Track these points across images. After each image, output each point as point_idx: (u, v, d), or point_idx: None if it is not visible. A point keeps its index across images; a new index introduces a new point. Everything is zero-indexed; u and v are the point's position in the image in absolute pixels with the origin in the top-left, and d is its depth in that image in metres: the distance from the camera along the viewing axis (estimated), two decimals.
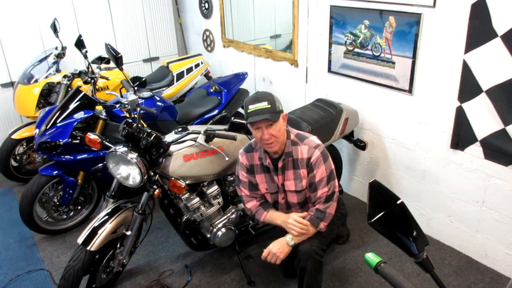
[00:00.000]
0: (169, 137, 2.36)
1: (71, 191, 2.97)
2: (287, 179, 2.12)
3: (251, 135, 2.26)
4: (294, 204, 2.19)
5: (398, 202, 1.02)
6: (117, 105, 2.79)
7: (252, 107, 1.94)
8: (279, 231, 2.24)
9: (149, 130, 2.19)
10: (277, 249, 2.06)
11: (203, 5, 4.55)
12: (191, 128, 2.47)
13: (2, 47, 3.89)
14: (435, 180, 2.78)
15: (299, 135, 2.12)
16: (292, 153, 2.08)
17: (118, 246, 2.36)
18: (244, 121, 2.15)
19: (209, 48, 4.75)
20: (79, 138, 2.80)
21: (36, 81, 3.56)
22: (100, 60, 3.40)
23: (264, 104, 1.93)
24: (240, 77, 3.78)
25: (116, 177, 2.25)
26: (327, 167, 2.07)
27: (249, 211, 2.28)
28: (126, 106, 2.52)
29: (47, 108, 3.05)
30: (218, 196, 2.51)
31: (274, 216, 2.19)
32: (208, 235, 2.51)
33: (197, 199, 2.43)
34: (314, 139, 2.12)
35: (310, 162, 2.05)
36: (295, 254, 2.09)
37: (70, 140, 2.76)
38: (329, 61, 3.21)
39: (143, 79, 3.63)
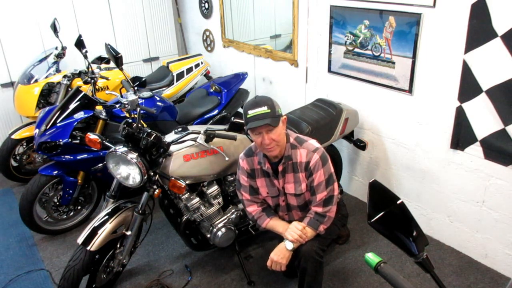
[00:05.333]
0: (169, 137, 2.36)
1: (71, 191, 2.97)
2: (287, 182, 2.12)
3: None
4: (295, 206, 2.19)
5: (398, 202, 1.02)
6: (117, 105, 2.79)
7: (251, 112, 1.91)
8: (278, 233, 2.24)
9: (149, 130, 2.19)
10: (278, 256, 2.06)
11: (203, 5, 4.55)
12: (191, 128, 2.47)
13: (2, 47, 3.89)
14: (435, 180, 2.78)
15: (298, 138, 2.11)
16: (291, 156, 2.06)
17: (118, 246, 2.36)
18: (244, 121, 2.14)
19: (209, 48, 4.75)
20: (79, 138, 2.80)
21: (36, 81, 3.57)
22: (100, 60, 3.41)
23: (264, 109, 1.90)
24: (240, 77, 3.78)
25: (116, 177, 2.25)
26: (325, 171, 2.05)
27: (250, 215, 2.26)
28: (126, 106, 2.52)
29: (47, 108, 3.05)
30: (218, 196, 2.51)
31: (277, 224, 2.17)
32: (208, 235, 2.51)
33: (197, 199, 2.43)
34: (313, 143, 2.10)
35: (309, 166, 2.04)
36: (295, 255, 2.09)
37: (70, 140, 2.76)
38: (329, 61, 3.21)
39: (143, 79, 3.62)
